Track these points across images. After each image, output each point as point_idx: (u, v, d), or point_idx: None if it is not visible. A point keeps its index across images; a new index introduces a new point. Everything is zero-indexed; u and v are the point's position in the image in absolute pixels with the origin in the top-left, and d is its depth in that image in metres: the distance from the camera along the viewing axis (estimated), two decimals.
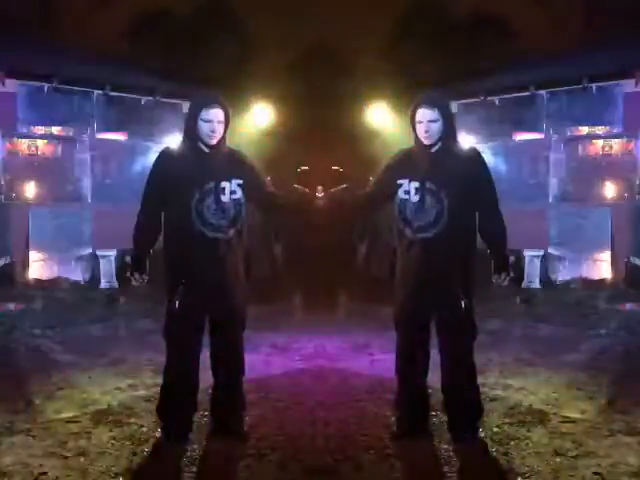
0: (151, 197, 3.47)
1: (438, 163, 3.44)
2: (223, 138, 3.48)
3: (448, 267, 3.42)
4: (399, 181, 3.49)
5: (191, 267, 3.41)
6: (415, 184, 3.45)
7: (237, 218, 3.48)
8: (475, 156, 3.53)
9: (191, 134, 3.46)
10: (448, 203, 3.39)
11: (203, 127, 3.42)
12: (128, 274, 3.63)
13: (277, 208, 3.75)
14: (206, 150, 3.46)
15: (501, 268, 3.53)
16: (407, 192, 3.46)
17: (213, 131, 3.42)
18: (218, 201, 3.42)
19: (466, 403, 3.50)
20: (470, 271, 3.48)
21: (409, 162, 3.52)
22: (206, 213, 3.41)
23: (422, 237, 3.43)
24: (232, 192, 3.46)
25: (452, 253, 3.41)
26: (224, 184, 3.44)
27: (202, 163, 3.45)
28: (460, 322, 3.44)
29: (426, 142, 3.45)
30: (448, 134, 3.46)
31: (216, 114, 3.43)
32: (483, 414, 3.56)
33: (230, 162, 3.51)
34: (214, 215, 3.42)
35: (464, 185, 3.40)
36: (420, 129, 3.44)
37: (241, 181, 3.48)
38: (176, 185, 3.40)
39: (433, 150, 3.46)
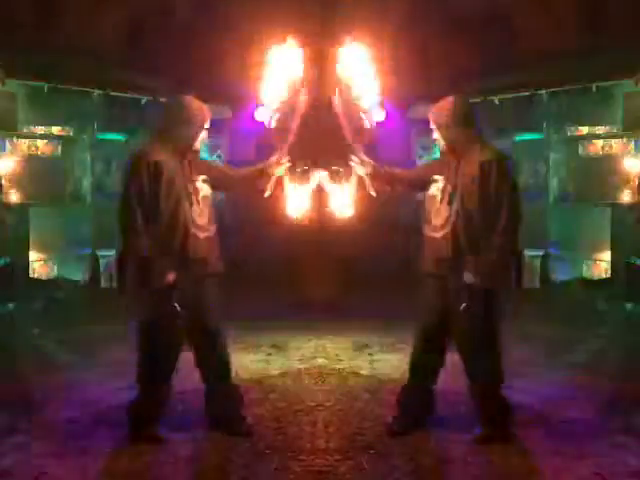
0: (141, 201, 3.37)
1: (457, 167, 3.48)
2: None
3: (452, 270, 3.43)
4: (435, 176, 3.57)
5: (180, 268, 3.43)
6: (440, 184, 3.52)
7: (213, 214, 3.59)
8: (491, 162, 3.42)
9: (170, 137, 3.47)
10: (458, 207, 3.42)
11: (183, 130, 3.45)
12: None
13: (241, 184, 3.89)
14: (184, 152, 3.50)
15: (476, 268, 3.42)
16: (435, 190, 3.54)
17: (197, 134, 3.48)
18: (198, 201, 3.49)
19: (479, 404, 3.54)
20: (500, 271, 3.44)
21: (444, 163, 3.60)
22: (193, 214, 3.45)
23: (432, 236, 3.51)
24: (204, 190, 3.54)
25: (457, 255, 3.43)
26: (198, 184, 3.52)
27: (181, 165, 3.48)
28: (463, 326, 3.45)
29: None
30: (468, 139, 3.49)
31: (197, 117, 3.48)
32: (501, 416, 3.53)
33: (193, 162, 3.57)
34: (199, 216, 3.48)
35: (477, 191, 3.39)
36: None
37: (206, 177, 3.57)
38: (164, 189, 3.39)
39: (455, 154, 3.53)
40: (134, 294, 3.55)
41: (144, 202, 3.36)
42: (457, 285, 3.43)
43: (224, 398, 3.60)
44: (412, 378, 3.66)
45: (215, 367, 3.60)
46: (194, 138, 3.49)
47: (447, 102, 3.55)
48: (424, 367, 3.62)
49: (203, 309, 3.53)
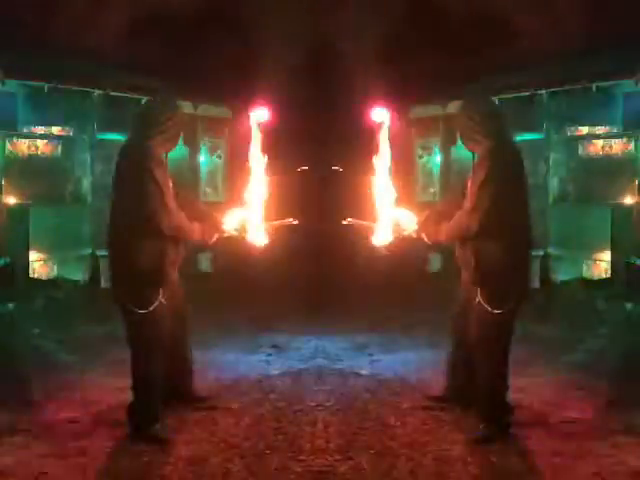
0: (154, 197, 3.34)
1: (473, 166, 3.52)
2: None
3: (467, 267, 3.47)
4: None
5: (170, 269, 3.47)
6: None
7: None
8: (481, 159, 3.39)
9: (160, 136, 3.46)
10: (467, 205, 3.43)
11: (166, 131, 3.46)
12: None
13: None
14: (168, 152, 3.54)
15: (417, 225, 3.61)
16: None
17: (177, 136, 3.54)
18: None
19: (481, 404, 3.56)
20: (489, 273, 3.37)
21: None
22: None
23: None
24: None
25: (469, 253, 3.45)
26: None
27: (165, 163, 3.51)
28: (473, 324, 3.48)
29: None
30: (475, 137, 3.48)
31: (178, 119, 3.50)
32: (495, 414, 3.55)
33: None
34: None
35: (473, 192, 3.39)
36: None
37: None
38: (167, 185, 3.42)
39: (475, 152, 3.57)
40: (132, 291, 3.53)
41: (156, 198, 3.35)
42: (467, 285, 3.51)
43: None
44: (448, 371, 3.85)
45: (181, 364, 3.75)
46: (175, 139, 3.51)
47: (471, 104, 3.54)
48: (457, 359, 3.73)
49: (180, 306, 3.61)
